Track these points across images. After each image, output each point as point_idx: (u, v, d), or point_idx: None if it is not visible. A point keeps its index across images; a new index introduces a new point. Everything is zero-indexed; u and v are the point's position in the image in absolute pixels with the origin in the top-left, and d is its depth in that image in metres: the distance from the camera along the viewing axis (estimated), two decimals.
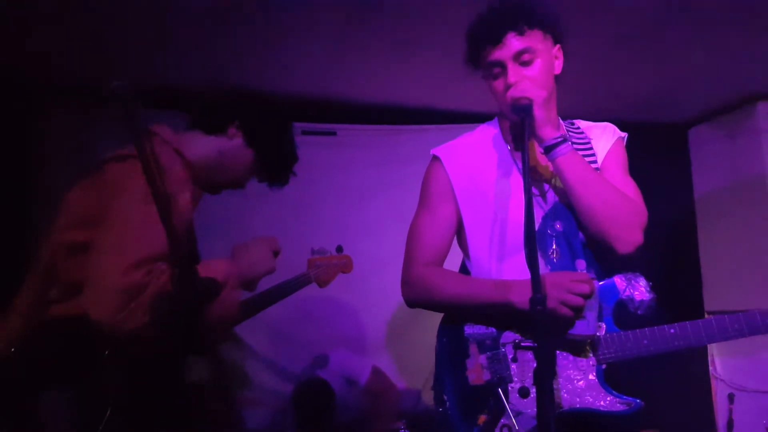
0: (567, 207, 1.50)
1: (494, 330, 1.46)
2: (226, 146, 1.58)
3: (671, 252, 3.29)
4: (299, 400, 2.66)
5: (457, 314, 1.50)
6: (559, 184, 1.50)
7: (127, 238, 1.23)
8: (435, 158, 1.64)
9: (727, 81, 2.99)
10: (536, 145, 1.49)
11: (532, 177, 1.45)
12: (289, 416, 2.71)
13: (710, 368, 3.35)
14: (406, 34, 2.46)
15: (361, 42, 2.53)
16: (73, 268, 1.29)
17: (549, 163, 1.48)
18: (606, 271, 1.50)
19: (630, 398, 1.39)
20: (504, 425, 1.37)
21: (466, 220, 1.56)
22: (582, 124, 1.66)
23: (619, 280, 1.44)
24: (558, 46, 1.51)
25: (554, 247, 1.49)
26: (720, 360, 3.33)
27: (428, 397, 2.81)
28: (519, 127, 1.40)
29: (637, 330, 1.42)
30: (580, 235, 1.50)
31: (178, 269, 1.02)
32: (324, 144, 3.15)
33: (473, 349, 1.45)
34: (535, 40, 1.44)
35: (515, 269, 1.45)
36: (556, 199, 1.53)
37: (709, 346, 3.30)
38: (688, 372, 3.27)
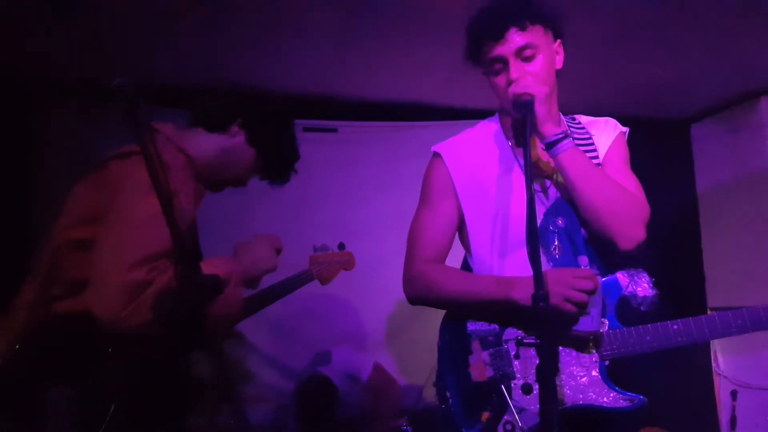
0: (569, 203, 1.50)
1: (497, 326, 1.46)
2: (229, 144, 1.59)
3: (674, 248, 3.28)
4: (301, 397, 2.67)
5: (459, 311, 1.50)
6: (560, 179, 1.50)
7: (130, 236, 1.23)
8: (436, 155, 1.63)
9: (730, 76, 2.98)
10: (537, 140, 1.49)
11: (533, 173, 1.45)
12: (291, 412, 2.72)
13: (713, 365, 3.35)
14: (407, 30, 2.46)
15: (362, 39, 2.53)
16: (76, 265, 1.30)
17: (550, 159, 1.48)
18: (608, 267, 1.50)
19: (633, 394, 1.38)
20: (507, 422, 1.37)
21: (468, 216, 1.56)
22: (583, 119, 1.65)
23: (621, 277, 1.44)
24: (559, 41, 1.50)
25: (556, 243, 1.48)
26: (723, 357, 3.33)
27: (430, 394, 2.82)
28: (520, 124, 1.39)
29: (640, 326, 1.41)
30: (582, 231, 1.50)
31: (181, 266, 1.02)
32: (325, 141, 3.15)
33: (476, 345, 1.45)
34: (536, 35, 1.43)
35: (517, 265, 1.45)
36: (558, 195, 1.52)
37: (712, 342, 3.30)
38: (691, 368, 3.26)
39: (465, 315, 1.48)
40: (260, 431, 2.74)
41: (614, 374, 1.41)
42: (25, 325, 1.33)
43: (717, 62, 2.81)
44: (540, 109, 1.39)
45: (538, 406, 1.10)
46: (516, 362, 1.42)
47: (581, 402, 1.38)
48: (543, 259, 1.39)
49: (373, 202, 3.15)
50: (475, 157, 1.59)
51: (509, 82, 1.42)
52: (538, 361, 1.10)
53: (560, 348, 1.41)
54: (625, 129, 1.64)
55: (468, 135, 1.65)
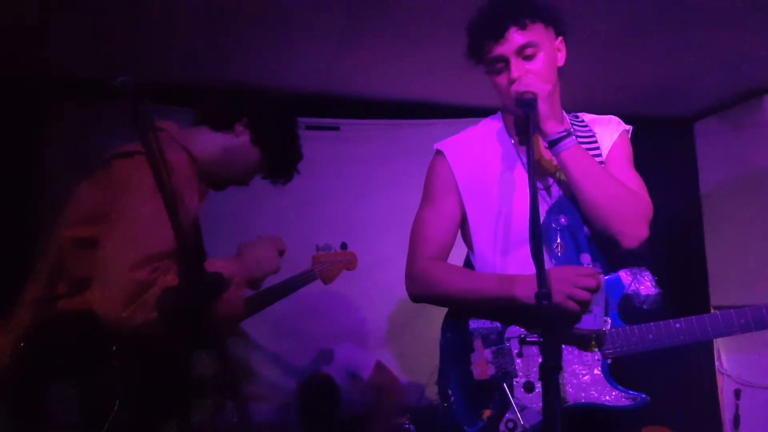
0: (571, 201, 1.49)
1: (499, 324, 1.46)
2: (233, 143, 1.58)
3: (677, 246, 3.27)
4: (304, 395, 2.67)
5: (461, 309, 1.50)
6: (563, 177, 1.49)
7: (134, 235, 1.24)
8: (438, 152, 1.63)
9: (734, 74, 2.97)
10: (540, 138, 1.49)
11: (536, 171, 1.45)
12: (293, 411, 2.73)
13: (716, 363, 3.34)
14: (409, 28, 2.45)
15: (364, 36, 2.52)
16: (80, 263, 1.30)
17: (553, 157, 1.47)
18: (611, 265, 1.49)
19: (635, 393, 1.38)
20: (509, 420, 1.37)
21: (470, 214, 1.56)
22: (586, 117, 1.65)
23: (624, 275, 1.44)
24: (560, 38, 1.50)
25: (559, 241, 1.48)
26: (726, 355, 3.32)
27: (432, 392, 2.82)
28: (523, 122, 1.39)
29: (643, 325, 1.41)
30: (585, 229, 1.50)
31: (184, 265, 1.02)
32: (327, 139, 3.15)
33: (478, 343, 1.45)
34: (537, 33, 1.43)
35: (519, 263, 1.45)
36: (561, 193, 1.52)
37: (715, 341, 3.29)
38: (694, 367, 3.26)
39: (467, 313, 1.48)
40: (262, 430, 2.75)
41: (617, 373, 1.40)
42: (29, 323, 1.33)
43: (721, 60, 2.80)
44: (542, 107, 1.39)
45: (540, 404, 1.10)
46: (518, 360, 1.42)
47: (583, 400, 1.38)
48: (545, 257, 1.39)
49: (375, 199, 3.15)
50: (477, 155, 1.59)
51: (511, 81, 1.42)
52: (541, 360, 1.10)
53: (563, 346, 1.41)
54: (629, 127, 1.63)
55: (471, 133, 1.65)
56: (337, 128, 3.19)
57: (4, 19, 2.20)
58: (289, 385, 2.81)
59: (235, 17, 2.33)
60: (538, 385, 1.38)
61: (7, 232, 2.51)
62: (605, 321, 1.42)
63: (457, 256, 1.62)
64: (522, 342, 1.42)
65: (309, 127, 3.01)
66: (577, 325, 1.38)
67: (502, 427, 1.37)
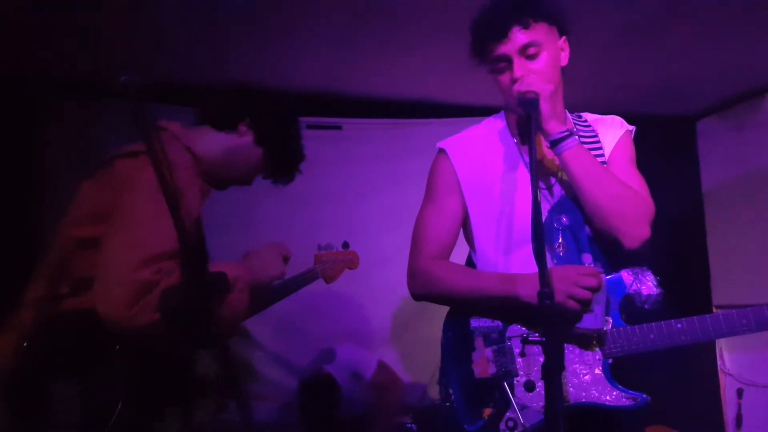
0: (573, 201, 1.49)
1: (500, 323, 1.46)
2: (236, 143, 1.59)
3: (679, 246, 3.27)
4: (305, 394, 2.67)
5: (463, 307, 1.50)
6: (565, 177, 1.49)
7: (137, 235, 1.24)
8: (441, 151, 1.63)
9: (736, 73, 2.97)
10: (543, 138, 1.49)
11: (538, 170, 1.45)
12: (295, 410, 2.73)
13: (719, 363, 3.34)
14: (411, 27, 2.45)
15: (366, 36, 2.52)
16: (83, 263, 1.30)
17: (556, 157, 1.47)
18: (613, 265, 1.49)
19: (636, 393, 1.38)
20: (509, 419, 1.37)
21: (472, 213, 1.56)
22: (589, 116, 1.65)
23: (626, 275, 1.43)
24: (564, 38, 1.50)
25: (560, 240, 1.48)
26: (729, 354, 3.32)
27: (434, 391, 2.82)
28: (525, 121, 1.39)
29: (644, 324, 1.41)
30: (587, 228, 1.50)
31: (186, 264, 1.02)
32: (329, 138, 3.14)
33: (479, 342, 1.45)
34: (540, 33, 1.43)
35: (521, 262, 1.45)
36: (563, 192, 1.52)
37: (717, 340, 3.28)
38: (697, 366, 3.25)
39: (468, 311, 1.49)
40: (264, 429, 2.75)
41: (618, 372, 1.40)
42: (32, 323, 1.34)
43: (723, 59, 2.79)
44: (545, 107, 1.38)
45: (541, 403, 1.10)
46: (519, 359, 1.42)
47: (584, 400, 1.39)
48: (547, 256, 1.39)
49: (377, 198, 3.15)
50: (480, 154, 1.59)
51: (513, 81, 1.42)
52: (542, 359, 1.10)
53: (564, 345, 1.41)
54: (632, 127, 1.63)
55: (473, 132, 1.65)
56: (339, 127, 3.19)
57: (4, 18, 2.20)
58: (291, 384, 2.81)
59: (237, 17, 2.33)
60: (539, 384, 1.38)
61: (7, 232, 2.51)
62: (606, 320, 1.42)
63: (460, 255, 1.62)
64: (525, 341, 1.42)
65: (311, 127, 3.01)
66: (578, 325, 1.38)
67: (502, 425, 1.37)
